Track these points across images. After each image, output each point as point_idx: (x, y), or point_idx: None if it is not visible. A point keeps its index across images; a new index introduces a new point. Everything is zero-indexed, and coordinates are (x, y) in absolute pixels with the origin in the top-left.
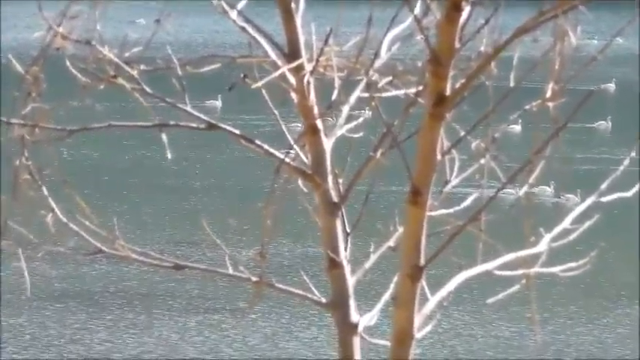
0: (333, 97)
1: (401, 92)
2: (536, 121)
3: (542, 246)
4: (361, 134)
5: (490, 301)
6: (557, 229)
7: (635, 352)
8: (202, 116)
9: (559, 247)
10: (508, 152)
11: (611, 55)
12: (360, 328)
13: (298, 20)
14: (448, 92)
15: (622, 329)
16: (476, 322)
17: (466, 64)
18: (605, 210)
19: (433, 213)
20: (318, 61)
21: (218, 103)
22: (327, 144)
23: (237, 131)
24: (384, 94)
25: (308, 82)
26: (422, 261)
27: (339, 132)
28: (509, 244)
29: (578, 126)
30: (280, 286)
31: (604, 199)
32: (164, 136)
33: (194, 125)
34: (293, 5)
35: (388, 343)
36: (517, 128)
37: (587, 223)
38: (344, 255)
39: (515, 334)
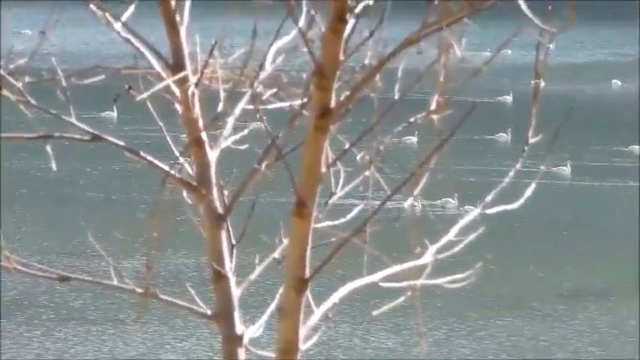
0: (219, 108)
1: (286, 104)
2: (431, 132)
3: (427, 258)
4: (247, 146)
5: (376, 313)
6: (442, 241)
7: None
8: (86, 128)
9: (447, 259)
10: (404, 164)
11: (498, 67)
12: (246, 340)
13: (183, 32)
14: (333, 104)
15: (500, 340)
16: (357, 334)
17: (351, 76)
18: (502, 221)
19: (318, 225)
20: (202, 72)
21: (114, 114)
22: (212, 156)
23: (121, 142)
24: (269, 106)
25: (193, 94)
26: (307, 273)
27: (224, 144)
28: (397, 256)
29: (479, 138)
30: (165, 297)
31: (489, 212)
32: (49, 148)
33: (78, 137)
34: (177, 17)
35: (273, 355)
36: (413, 140)
37: (472, 235)
38: (229, 267)
39: (397, 345)
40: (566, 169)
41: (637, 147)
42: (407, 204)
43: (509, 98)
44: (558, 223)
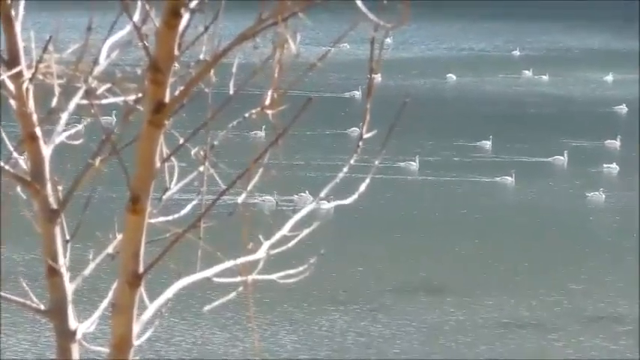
0: (53, 104)
1: (120, 99)
2: (275, 127)
3: (261, 253)
4: (81, 141)
5: (207, 308)
6: (276, 237)
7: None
8: None
9: (288, 253)
10: (249, 158)
11: (346, 62)
12: (79, 335)
13: (18, 26)
14: (167, 99)
15: (329, 334)
16: (185, 330)
17: (186, 72)
18: (347, 217)
19: (152, 220)
20: (37, 67)
21: None
22: (47, 151)
23: None
24: (104, 101)
25: (27, 89)
26: (141, 268)
27: (59, 139)
28: (234, 252)
29: (333, 133)
30: None
31: (324, 207)
32: None
33: None
34: (13, 12)
35: (107, 350)
36: (261, 134)
37: (305, 231)
38: (63, 262)
39: (225, 340)
40: (415, 164)
41: (488, 142)
42: (240, 199)
43: (357, 93)
44: (402, 217)
